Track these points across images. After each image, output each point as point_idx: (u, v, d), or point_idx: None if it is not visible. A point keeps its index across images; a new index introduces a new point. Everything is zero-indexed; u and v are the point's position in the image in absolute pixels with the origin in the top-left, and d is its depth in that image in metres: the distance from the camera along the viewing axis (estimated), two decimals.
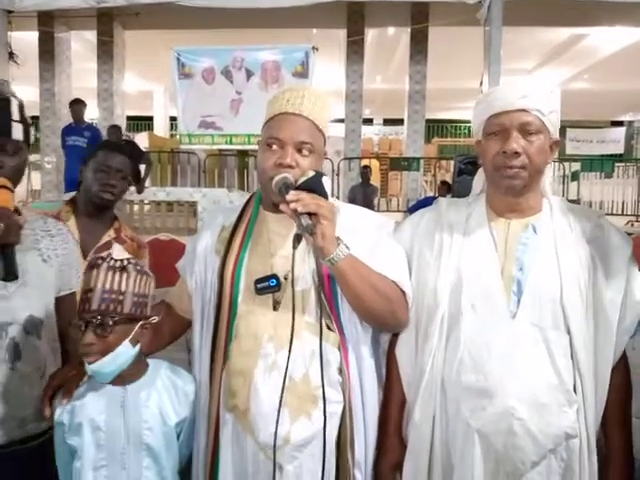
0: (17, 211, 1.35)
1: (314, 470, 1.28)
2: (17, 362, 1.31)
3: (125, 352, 1.23)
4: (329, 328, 1.31)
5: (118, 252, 1.26)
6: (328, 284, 1.31)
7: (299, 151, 1.31)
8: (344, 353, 1.33)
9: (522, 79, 1.40)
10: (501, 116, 1.31)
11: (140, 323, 1.25)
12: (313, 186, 1.24)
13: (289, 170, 1.28)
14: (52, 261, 1.40)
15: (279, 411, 1.23)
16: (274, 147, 1.31)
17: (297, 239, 1.21)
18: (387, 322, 1.37)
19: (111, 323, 1.20)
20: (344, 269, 1.24)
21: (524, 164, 1.29)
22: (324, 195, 1.24)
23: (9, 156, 1.31)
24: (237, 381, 1.30)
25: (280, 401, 1.23)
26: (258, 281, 1.32)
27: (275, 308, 1.33)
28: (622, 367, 1.34)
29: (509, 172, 1.30)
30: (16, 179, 1.33)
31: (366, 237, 1.35)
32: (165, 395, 1.32)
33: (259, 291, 1.31)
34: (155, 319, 1.29)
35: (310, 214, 1.18)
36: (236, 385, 1.30)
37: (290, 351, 1.23)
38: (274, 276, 1.32)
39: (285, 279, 1.32)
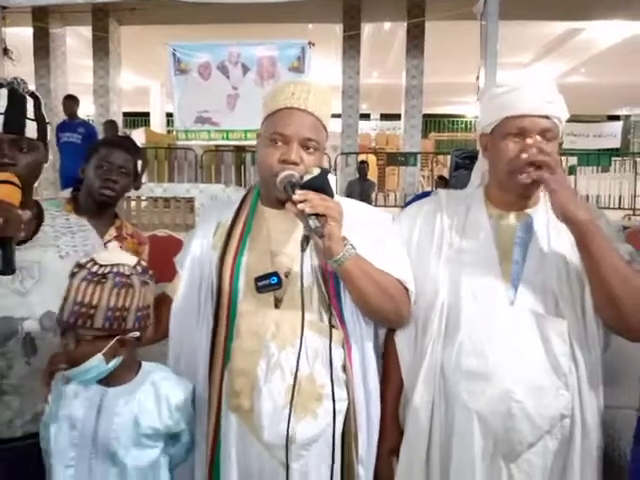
0: (35, 206, 1.39)
1: (320, 468, 1.27)
2: (33, 357, 1.31)
3: (96, 366, 1.16)
4: (332, 326, 1.29)
5: (109, 254, 1.21)
6: (331, 281, 1.30)
7: (304, 147, 1.28)
8: (347, 350, 1.32)
9: (542, 80, 1.35)
10: (524, 119, 1.30)
11: (116, 338, 1.16)
12: (320, 184, 1.21)
13: (294, 167, 1.26)
14: (70, 258, 1.39)
15: (290, 410, 1.22)
16: (279, 143, 1.28)
17: (305, 241, 1.19)
18: (390, 319, 1.37)
19: (80, 336, 1.15)
20: (350, 269, 1.23)
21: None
22: (330, 193, 1.22)
23: (22, 153, 1.32)
24: (240, 381, 1.28)
25: (291, 401, 1.22)
26: (259, 279, 1.29)
27: (277, 306, 1.31)
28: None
29: (527, 179, 1.28)
30: (30, 177, 1.35)
31: (367, 233, 1.34)
32: (145, 405, 1.23)
33: (260, 289, 1.29)
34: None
35: (318, 215, 1.16)
36: (239, 385, 1.28)
37: (300, 351, 1.23)
38: (275, 274, 1.29)
39: (286, 276, 1.30)
